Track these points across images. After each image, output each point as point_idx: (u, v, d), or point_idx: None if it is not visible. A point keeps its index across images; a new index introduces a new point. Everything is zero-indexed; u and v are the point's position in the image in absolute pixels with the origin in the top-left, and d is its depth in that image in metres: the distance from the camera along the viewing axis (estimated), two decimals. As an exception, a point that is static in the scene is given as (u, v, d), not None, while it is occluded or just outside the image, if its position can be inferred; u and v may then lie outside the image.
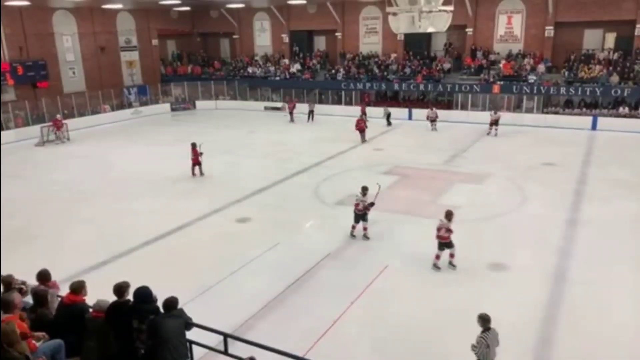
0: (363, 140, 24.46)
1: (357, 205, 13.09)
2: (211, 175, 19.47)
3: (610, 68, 27.37)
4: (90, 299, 6.13)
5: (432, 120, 27.01)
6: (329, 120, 30.14)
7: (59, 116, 27.53)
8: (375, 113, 30.37)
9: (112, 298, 5.85)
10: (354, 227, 13.34)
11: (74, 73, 33.17)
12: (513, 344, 8.74)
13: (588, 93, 27.34)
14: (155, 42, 37.97)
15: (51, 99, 29.71)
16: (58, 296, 6.49)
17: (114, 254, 12.50)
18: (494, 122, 25.51)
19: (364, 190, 13.11)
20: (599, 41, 29.33)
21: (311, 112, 30.06)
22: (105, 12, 34.15)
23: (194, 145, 19.42)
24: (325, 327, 9.22)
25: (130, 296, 5.85)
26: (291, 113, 31.23)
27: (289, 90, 35.02)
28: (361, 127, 24.50)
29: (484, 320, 7.21)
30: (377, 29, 34.59)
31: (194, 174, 19.54)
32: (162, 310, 5.72)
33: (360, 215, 13.13)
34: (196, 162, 19.46)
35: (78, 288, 6.04)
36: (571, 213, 14.73)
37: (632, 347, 8.64)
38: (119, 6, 33.71)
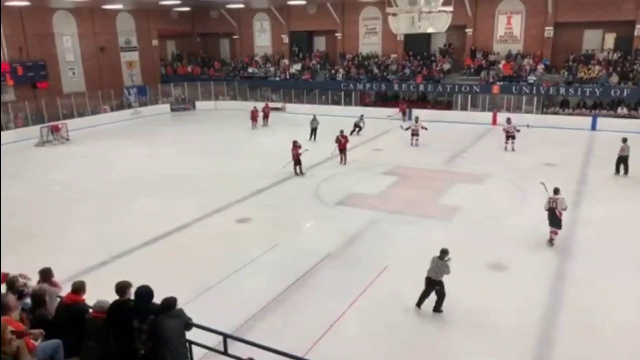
0: (343, 160, 20.63)
1: (557, 209, 12.15)
2: (212, 176, 19.46)
3: (610, 68, 27.39)
4: (90, 299, 6.12)
5: (415, 133, 23.59)
6: (328, 120, 30.09)
7: (59, 124, 27.60)
8: (377, 114, 30.42)
9: (112, 298, 5.84)
10: (555, 234, 12.41)
11: (73, 73, 33.19)
12: (513, 343, 8.77)
13: (588, 93, 27.38)
14: (155, 42, 38.03)
15: (51, 99, 29.71)
16: (58, 296, 6.49)
17: (114, 254, 12.50)
18: (511, 135, 22.16)
19: (557, 191, 12.31)
20: (598, 41, 29.35)
21: (314, 130, 25.42)
22: (105, 13, 34.17)
23: (295, 143, 19.15)
24: (325, 327, 9.21)
25: (131, 295, 5.84)
26: (266, 117, 30.05)
27: (289, 90, 35.04)
28: (343, 145, 20.61)
29: (442, 252, 9.72)
30: (376, 29, 34.61)
31: (296, 173, 19.15)
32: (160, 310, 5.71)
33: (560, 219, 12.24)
34: (297, 159, 19.02)
35: (79, 288, 6.04)
36: (571, 213, 14.69)
37: (632, 347, 8.63)
38: (119, 6, 33.74)
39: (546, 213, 12.48)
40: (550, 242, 12.43)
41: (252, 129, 29.17)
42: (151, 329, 5.57)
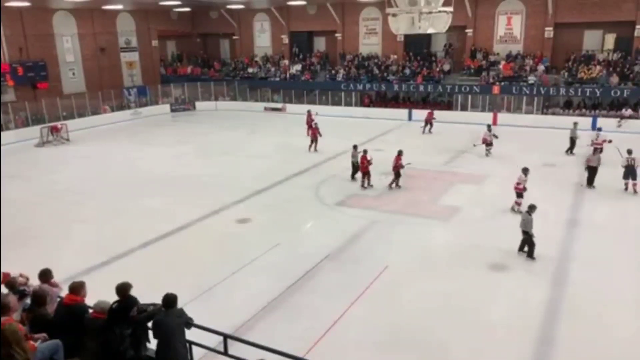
0: (366, 183, 17.58)
1: (636, 165, 15.88)
2: (212, 176, 19.45)
3: (610, 69, 27.39)
4: (90, 300, 6.12)
5: (489, 143, 21.30)
6: (329, 121, 30.12)
7: (59, 124, 27.61)
8: (377, 114, 30.21)
9: (112, 299, 5.83)
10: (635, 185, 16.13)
11: (73, 74, 33.21)
12: (513, 343, 8.77)
13: (588, 94, 27.39)
14: (155, 42, 38.07)
15: (51, 99, 29.70)
16: (58, 297, 6.48)
17: (114, 254, 12.50)
18: (600, 148, 17.92)
19: (631, 152, 16.10)
20: (598, 42, 29.35)
21: (355, 166, 18.37)
22: (105, 13, 34.19)
23: (399, 153, 17.25)
24: (325, 327, 9.22)
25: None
26: (314, 141, 23.01)
27: (289, 91, 35.04)
28: (365, 168, 17.43)
29: (530, 207, 11.87)
30: (377, 29, 34.63)
31: (390, 186, 17.22)
32: (162, 307, 5.72)
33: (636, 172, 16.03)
34: (397, 171, 17.11)
35: (77, 288, 6.02)
36: (571, 213, 14.73)
37: (632, 347, 8.63)
38: (119, 7, 33.77)
39: (549, 216, 12.52)
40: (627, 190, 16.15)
41: (309, 151, 22.86)
42: (153, 329, 5.56)
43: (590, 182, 16.89)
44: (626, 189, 16.22)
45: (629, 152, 16.32)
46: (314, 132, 23.12)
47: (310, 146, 22.93)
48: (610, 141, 18.81)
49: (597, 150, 17.43)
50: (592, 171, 16.85)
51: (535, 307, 9.84)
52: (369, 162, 17.27)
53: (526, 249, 11.94)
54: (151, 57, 38.02)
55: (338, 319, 9.53)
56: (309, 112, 26.23)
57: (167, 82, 37.66)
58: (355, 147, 18.55)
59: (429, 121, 26.82)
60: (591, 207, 15.21)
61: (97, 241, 13.48)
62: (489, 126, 22.27)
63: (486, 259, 11.87)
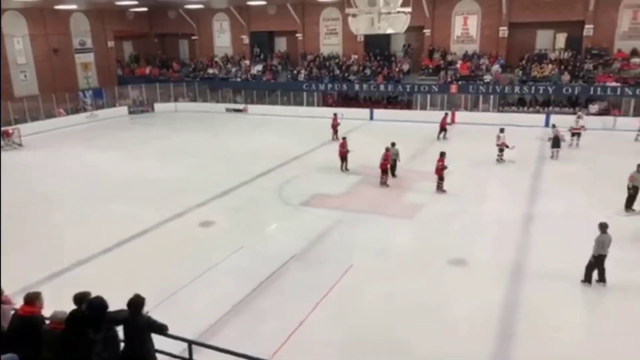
0: (384, 181, 17.78)
1: (560, 135, 20.17)
2: (174, 179, 19.09)
3: (562, 67, 28.42)
4: (49, 310, 5.90)
5: (504, 147, 20.10)
6: (292, 121, 30.12)
7: (10, 129, 26.50)
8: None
9: (70, 308, 5.64)
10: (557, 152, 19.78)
11: (25, 76, 32.04)
12: (473, 338, 8.98)
13: (541, 91, 28.36)
14: (111, 43, 37.21)
15: (2, 103, 28.45)
16: (13, 310, 6.22)
17: (74, 261, 12.12)
18: (577, 133, 22.29)
19: (554, 126, 19.73)
20: (550, 41, 30.43)
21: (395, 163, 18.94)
22: (58, 13, 33.09)
23: (442, 154, 16.74)
24: (291, 329, 9.21)
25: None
26: (345, 159, 19.86)
27: (251, 91, 34.81)
28: (384, 165, 17.73)
29: (601, 226, 10.42)
30: (337, 30, 34.81)
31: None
32: (128, 309, 5.62)
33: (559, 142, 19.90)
34: (440, 173, 16.68)
35: (33, 299, 5.79)
36: (528, 208, 15.18)
37: (587, 342, 8.98)
38: (72, 7, 32.75)
39: (506, 211, 12.78)
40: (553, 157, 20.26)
41: (341, 170, 19.72)
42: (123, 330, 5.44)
43: (630, 204, 14.37)
44: (552, 156, 20.36)
45: (553, 126, 20.95)
46: (342, 150, 19.77)
47: (342, 165, 19.81)
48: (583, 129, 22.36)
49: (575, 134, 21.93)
50: (635, 192, 14.28)
51: (494, 301, 10.10)
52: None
53: (595, 275, 10.61)
54: (107, 58, 37.10)
55: (304, 319, 9.54)
56: (335, 115, 25.33)
57: (124, 83, 36.77)
58: (393, 144, 18.52)
59: (443, 126, 25.08)
60: (546, 201, 15.69)
61: (55, 249, 13.00)
62: (502, 129, 20.57)
63: (447, 254, 12.11)
